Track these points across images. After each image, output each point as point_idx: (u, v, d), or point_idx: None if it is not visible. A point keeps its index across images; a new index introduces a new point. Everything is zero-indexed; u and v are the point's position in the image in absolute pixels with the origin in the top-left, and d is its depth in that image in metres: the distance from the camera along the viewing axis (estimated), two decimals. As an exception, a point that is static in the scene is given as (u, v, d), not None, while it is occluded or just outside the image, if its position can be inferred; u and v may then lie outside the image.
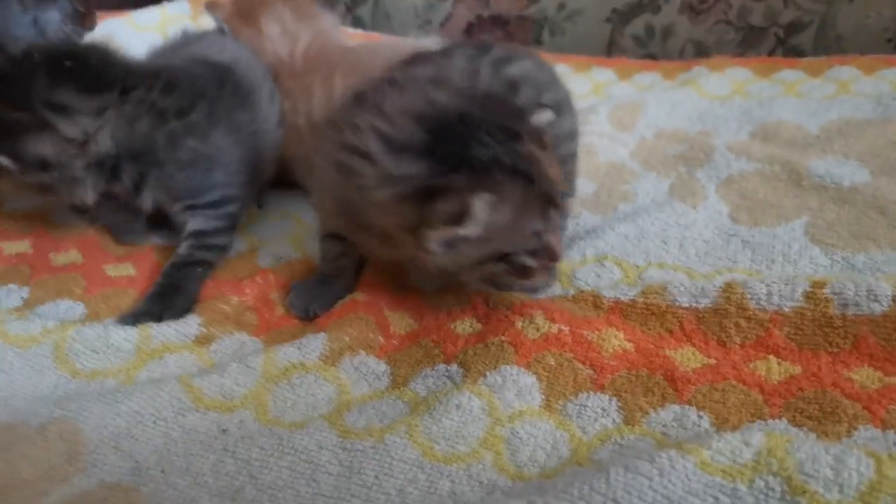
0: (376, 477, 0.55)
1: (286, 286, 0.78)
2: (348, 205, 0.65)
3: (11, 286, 0.77)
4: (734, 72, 1.14)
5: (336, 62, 0.90)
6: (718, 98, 1.09)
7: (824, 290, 0.65)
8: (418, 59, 0.77)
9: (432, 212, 0.59)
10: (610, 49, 1.37)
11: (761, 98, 1.06)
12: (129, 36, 1.26)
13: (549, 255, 0.65)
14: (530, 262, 0.63)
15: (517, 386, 0.62)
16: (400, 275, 0.77)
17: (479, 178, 0.58)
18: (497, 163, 0.59)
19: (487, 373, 0.63)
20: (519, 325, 0.70)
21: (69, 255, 0.82)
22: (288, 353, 0.66)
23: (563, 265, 0.77)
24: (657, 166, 0.95)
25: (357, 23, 1.51)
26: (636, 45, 1.37)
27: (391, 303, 0.74)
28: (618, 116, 1.05)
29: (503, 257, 0.63)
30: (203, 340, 0.70)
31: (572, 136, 0.83)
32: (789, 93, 1.07)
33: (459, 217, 0.58)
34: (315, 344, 0.67)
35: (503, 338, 0.68)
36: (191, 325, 0.70)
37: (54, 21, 0.94)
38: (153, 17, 1.32)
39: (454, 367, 0.65)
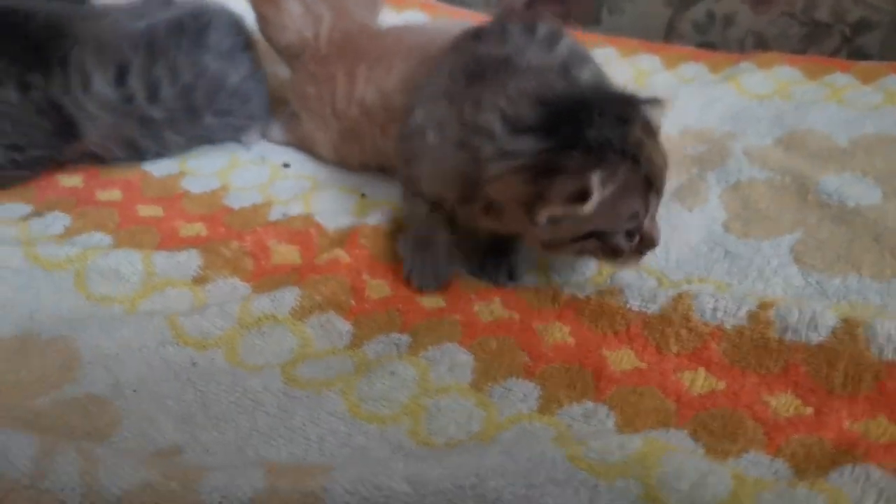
0: (303, 424, 0.62)
1: (283, 236, 0.85)
2: (460, 176, 0.71)
3: (58, 214, 0.89)
4: (782, 70, 1.09)
5: (361, 51, 0.94)
6: (757, 97, 1.05)
7: (769, 313, 0.66)
8: (481, 36, 0.81)
9: (551, 188, 0.64)
10: (668, 34, 1.33)
11: (801, 101, 1.02)
12: None
13: (643, 241, 0.69)
14: (624, 243, 0.68)
15: (452, 362, 0.67)
16: (387, 242, 0.83)
17: (593, 158, 0.63)
18: (609, 144, 0.63)
19: (430, 346, 0.69)
20: (476, 307, 0.74)
21: (112, 193, 0.94)
22: (262, 303, 0.73)
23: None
24: (672, 166, 0.95)
25: None
26: (695, 31, 1.32)
27: (372, 268, 0.80)
28: (646, 108, 1.04)
29: (600, 235, 0.67)
30: (200, 280, 0.79)
31: None
32: (832, 98, 1.02)
33: (578, 195, 0.63)
34: (288, 298, 0.74)
35: (457, 317, 0.73)
36: (191, 265, 0.80)
37: None
38: None
39: (405, 337, 0.71)
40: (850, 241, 0.77)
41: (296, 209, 0.91)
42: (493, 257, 0.81)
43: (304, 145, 1.03)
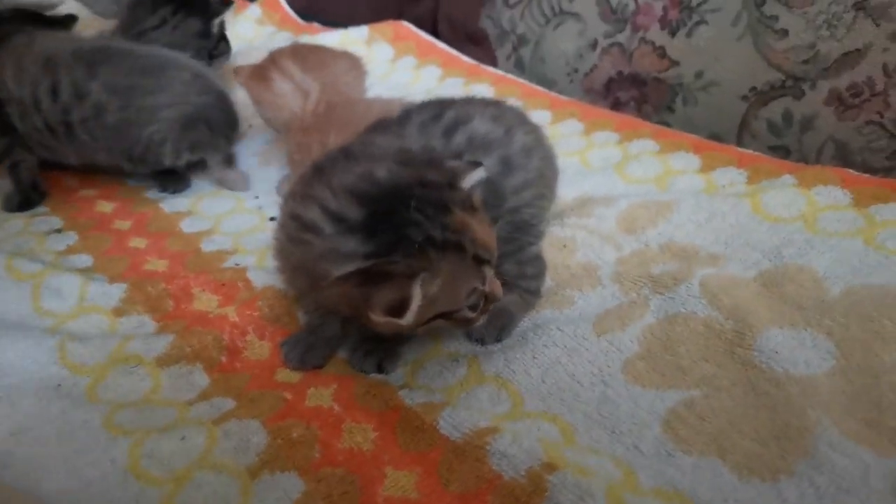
0: (84, 465, 0.66)
1: (211, 285, 0.91)
2: (301, 270, 0.71)
3: (72, 234, 1.05)
4: (824, 192, 0.90)
5: (334, 120, 0.98)
6: (772, 219, 0.88)
7: (548, 476, 0.56)
8: (379, 126, 0.82)
9: (374, 298, 0.63)
10: (741, 131, 1.17)
11: (822, 232, 0.84)
12: (306, 51, 1.51)
13: (487, 300, 0.68)
14: (470, 314, 0.67)
15: (244, 440, 0.67)
16: (289, 311, 0.85)
17: (414, 261, 0.62)
18: (430, 240, 0.63)
19: (239, 418, 0.69)
20: (310, 390, 0.73)
21: (125, 223, 1.08)
22: (135, 344, 0.80)
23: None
24: (625, 282, 0.84)
25: (518, 63, 1.53)
26: (770, 131, 1.14)
27: (260, 329, 0.83)
28: (635, 215, 0.93)
29: (446, 314, 0.67)
30: (118, 312, 0.87)
31: (528, 185, 0.81)
32: (862, 235, 0.82)
33: (399, 305, 0.62)
34: (160, 344, 0.80)
35: (287, 395, 0.73)
36: (115, 296, 0.89)
37: None
38: (334, 39, 1.54)
39: (229, 402, 0.72)
40: (740, 419, 0.62)
41: (248, 261, 0.97)
42: (370, 343, 0.78)
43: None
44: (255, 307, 0.85)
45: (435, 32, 1.61)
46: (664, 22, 1.25)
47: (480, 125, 0.79)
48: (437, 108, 0.81)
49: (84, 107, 1.04)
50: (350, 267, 0.63)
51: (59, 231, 1.05)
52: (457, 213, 0.63)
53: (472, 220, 0.64)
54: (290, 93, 1.04)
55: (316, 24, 1.74)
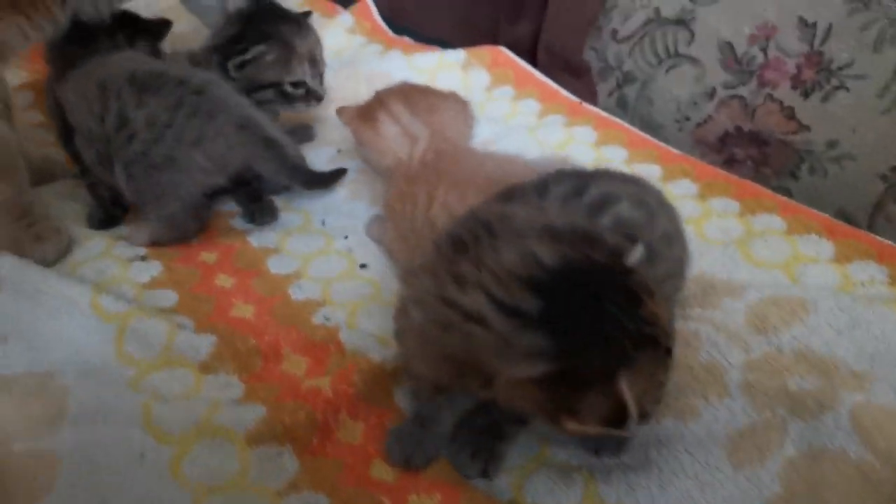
0: None
1: (301, 345, 0.85)
2: (453, 360, 0.64)
3: (156, 262, 1.00)
4: None
5: (443, 173, 0.91)
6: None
7: None
8: (514, 195, 0.75)
9: (580, 406, 0.56)
10: (874, 213, 1.07)
11: None
12: (404, 74, 1.44)
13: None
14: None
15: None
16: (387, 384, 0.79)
17: (612, 359, 0.55)
18: (625, 334, 0.56)
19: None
20: (411, 497, 0.67)
21: (211, 255, 1.03)
22: (224, 414, 0.75)
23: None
24: (757, 396, 0.76)
25: (622, 101, 1.44)
26: (910, 219, 1.04)
27: (353, 409, 0.77)
28: (766, 312, 0.84)
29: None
30: (204, 368, 0.83)
31: (668, 277, 0.76)
32: None
33: (617, 412, 0.55)
34: (249, 416, 0.75)
35: (384, 500, 0.67)
36: (203, 350, 0.84)
37: None
38: (430, 61, 1.47)
39: (322, 498, 0.67)
40: None
41: (339, 316, 0.92)
42: (475, 440, 0.72)
43: (386, 249, 1.03)
44: (349, 380, 0.80)
45: (533, 59, 1.52)
46: (797, 81, 1.15)
47: (625, 207, 0.72)
48: (577, 180, 0.74)
49: (121, 136, 0.98)
50: (534, 368, 0.56)
51: (143, 258, 1.01)
52: (647, 302, 0.57)
53: (659, 309, 0.58)
54: (397, 137, 0.98)
55: (406, 39, 1.67)
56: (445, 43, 1.67)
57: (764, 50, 1.19)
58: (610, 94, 1.45)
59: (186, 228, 1.05)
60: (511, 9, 1.62)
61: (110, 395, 0.77)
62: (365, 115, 1.00)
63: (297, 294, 0.96)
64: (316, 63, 1.16)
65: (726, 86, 1.25)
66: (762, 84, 1.20)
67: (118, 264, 1.00)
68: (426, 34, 1.72)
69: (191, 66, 1.13)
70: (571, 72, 1.48)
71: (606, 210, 0.70)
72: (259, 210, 1.11)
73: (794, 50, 1.15)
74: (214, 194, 1.07)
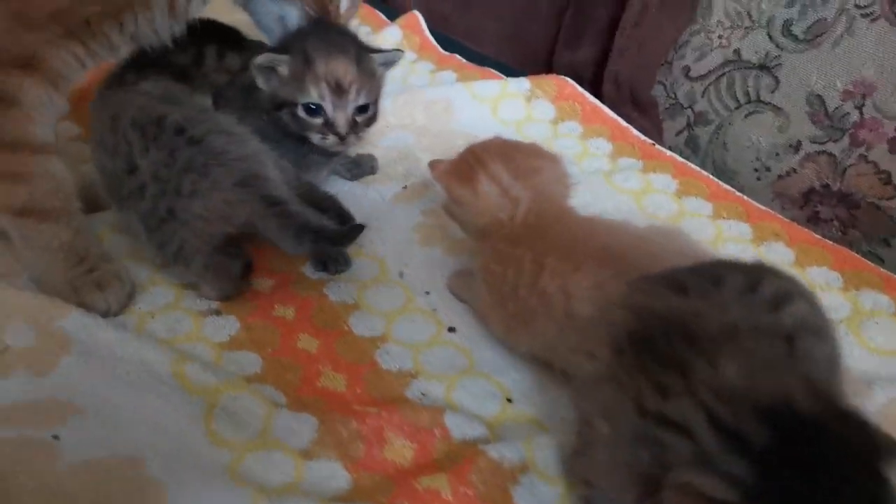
0: None
1: (405, 428, 0.80)
2: (639, 478, 0.60)
3: (232, 318, 0.93)
4: None
5: (552, 240, 0.86)
6: None
7: None
8: (687, 288, 0.68)
9: None
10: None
11: None
12: (465, 102, 1.37)
13: None
14: None
15: None
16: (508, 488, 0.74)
17: None
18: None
19: None
20: None
21: (287, 309, 0.96)
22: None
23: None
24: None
25: (692, 142, 1.39)
26: None
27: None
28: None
29: None
30: (306, 454, 0.77)
31: (842, 382, 0.69)
32: None
33: None
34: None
35: None
36: (305, 435, 0.78)
37: (294, 17, 1.07)
38: (492, 90, 1.40)
39: None
40: None
41: (436, 391, 0.86)
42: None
43: (477, 311, 0.97)
44: (466, 480, 0.74)
45: (593, 87, 1.46)
46: (894, 145, 1.11)
47: (803, 307, 0.67)
48: (746, 273, 0.69)
49: (132, 182, 0.92)
50: (726, 493, 0.52)
51: (217, 313, 0.94)
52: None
53: None
54: (497, 198, 0.92)
55: (457, 57, 1.60)
56: (494, 61, 1.61)
57: (859, 108, 1.15)
58: (678, 133, 1.40)
59: (228, 278, 0.96)
60: (571, 32, 1.56)
61: (211, 491, 0.70)
62: (461, 173, 0.94)
63: (386, 362, 0.90)
64: (343, 92, 1.00)
65: (814, 140, 1.21)
66: (855, 143, 1.16)
67: (191, 318, 0.93)
68: (472, 47, 1.65)
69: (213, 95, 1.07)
70: (638, 107, 1.43)
71: (784, 308, 0.65)
72: (331, 258, 1.04)
73: (894, 112, 1.11)
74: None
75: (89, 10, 0.86)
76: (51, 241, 0.91)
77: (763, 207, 1.16)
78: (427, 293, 1.02)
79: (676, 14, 1.34)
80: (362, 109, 1.02)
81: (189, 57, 1.07)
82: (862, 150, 1.15)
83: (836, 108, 1.17)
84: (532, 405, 0.86)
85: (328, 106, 1.00)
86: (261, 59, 0.99)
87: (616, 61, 1.41)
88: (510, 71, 1.54)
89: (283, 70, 1.00)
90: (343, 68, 0.99)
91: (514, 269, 0.89)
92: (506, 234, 0.91)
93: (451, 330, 0.96)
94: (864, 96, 1.14)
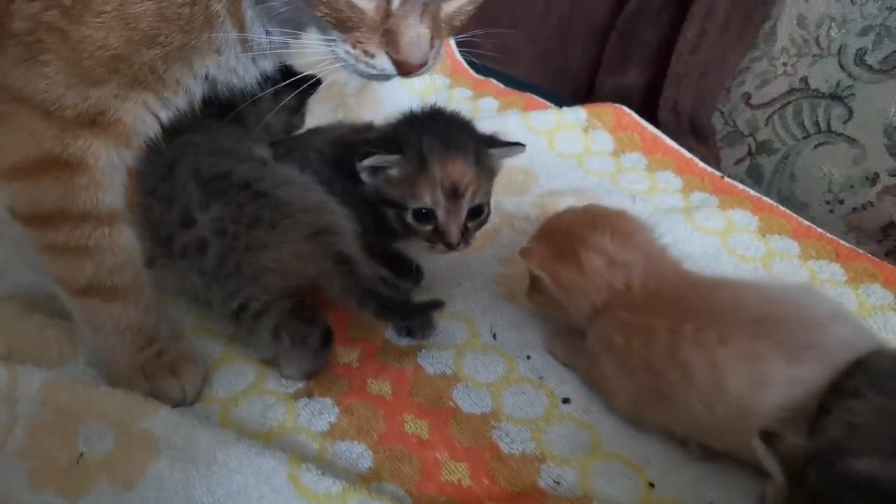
0: None
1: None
2: None
3: (328, 402, 0.83)
4: None
5: (686, 306, 0.79)
6: None
7: None
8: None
9: None
10: None
11: None
12: (521, 136, 1.29)
13: None
14: None
15: None
16: None
17: None
18: None
19: None
20: None
21: (383, 385, 0.87)
22: None
23: None
24: None
25: (754, 172, 1.35)
26: None
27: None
28: None
29: None
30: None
31: None
32: None
33: None
34: None
35: None
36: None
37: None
38: (548, 120, 1.33)
39: None
40: None
41: (570, 478, 0.79)
42: None
43: (594, 381, 0.89)
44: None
45: (640, 113, 1.39)
46: (983, 179, 1.08)
47: None
48: None
49: (187, 236, 0.84)
50: None
51: (309, 395, 0.84)
52: None
53: None
54: (606, 270, 0.84)
55: (493, 81, 1.52)
56: (528, 84, 1.54)
57: (944, 141, 1.11)
58: (738, 161, 1.36)
59: (309, 351, 0.86)
60: (616, 56, 1.50)
61: None
62: (561, 255, 0.85)
63: (507, 445, 0.82)
64: (458, 197, 0.89)
65: (893, 173, 1.17)
66: (940, 177, 1.13)
67: (283, 404, 0.83)
68: (502, 70, 1.57)
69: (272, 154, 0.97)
70: (697, 135, 1.37)
71: None
72: (415, 324, 0.95)
73: (981, 146, 1.08)
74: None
75: (150, 53, 0.75)
76: (118, 321, 0.80)
77: (849, 245, 1.12)
78: (528, 357, 0.93)
79: (738, 40, 1.29)
80: (476, 212, 0.92)
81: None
82: (947, 184, 1.12)
83: (918, 139, 1.14)
84: (674, 487, 0.79)
85: (441, 213, 0.89)
86: (370, 161, 0.89)
87: (672, 88, 1.35)
88: (549, 95, 1.47)
89: (394, 171, 0.90)
90: (461, 171, 0.88)
91: (644, 340, 0.81)
92: (626, 304, 0.84)
93: (566, 401, 0.88)
94: (948, 130, 1.11)
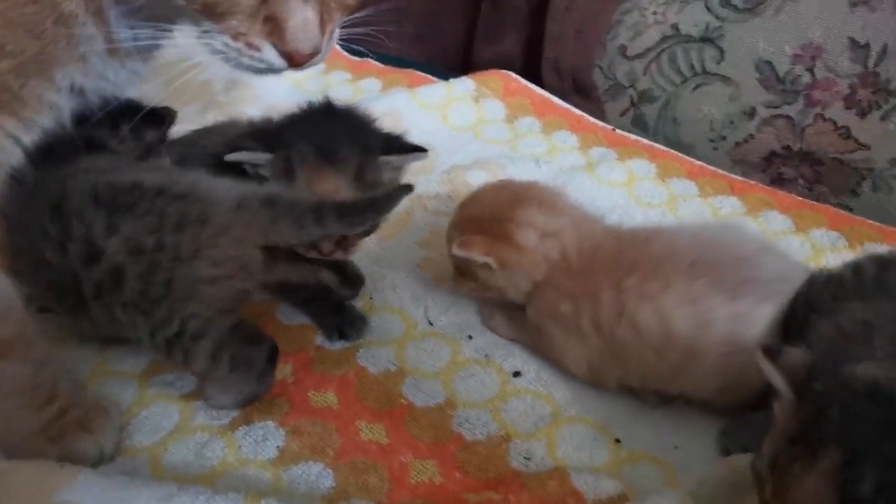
0: None
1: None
2: None
3: (269, 425, 0.76)
4: None
5: (626, 261, 0.79)
6: None
7: None
8: None
9: None
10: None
11: None
12: (412, 113, 1.25)
13: None
14: None
15: None
16: None
17: None
18: None
19: None
20: None
21: (326, 396, 0.81)
22: None
23: None
24: None
25: (639, 121, 1.38)
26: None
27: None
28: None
29: None
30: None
31: None
32: None
33: None
34: None
35: None
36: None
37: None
38: (438, 94, 1.29)
39: None
40: None
41: (538, 451, 0.76)
42: None
43: (544, 352, 0.87)
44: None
45: (527, 77, 1.39)
46: (850, 101, 1.16)
47: None
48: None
49: (97, 272, 0.71)
50: None
51: (247, 423, 0.76)
52: None
53: None
54: (541, 242, 0.82)
55: (371, 61, 1.46)
56: (408, 62, 1.49)
57: (810, 70, 1.19)
58: (622, 113, 1.39)
59: (253, 372, 0.77)
60: (490, 25, 1.48)
61: None
62: (497, 237, 0.82)
63: (469, 432, 0.78)
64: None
65: (768, 105, 1.24)
66: (811, 104, 1.20)
67: (220, 438, 0.74)
68: (380, 51, 1.52)
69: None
70: (581, 92, 1.39)
71: None
72: (347, 322, 0.88)
73: (846, 70, 1.16)
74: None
75: (-2, 66, 0.64)
76: (8, 384, 0.68)
77: (741, 178, 1.17)
78: (470, 337, 0.90)
79: (607, -6, 1.30)
80: None
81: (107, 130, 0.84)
82: (818, 109, 1.19)
83: (787, 71, 1.21)
84: (639, 439, 0.79)
85: None
86: (235, 155, 0.79)
87: (552, 48, 1.36)
88: (430, 70, 1.43)
89: (265, 171, 0.80)
90: (333, 188, 0.78)
91: (590, 304, 0.80)
92: (564, 272, 0.83)
93: (517, 375, 0.86)
94: (813, 58, 1.18)
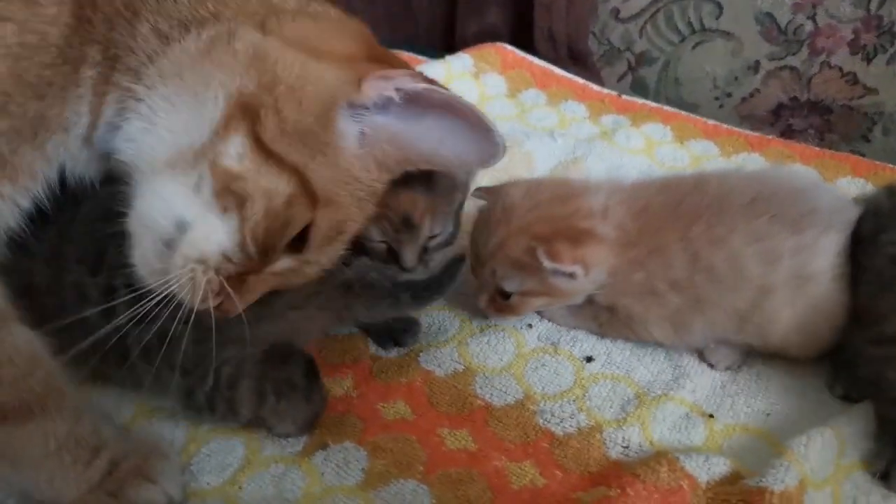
0: None
1: (655, 497, 0.65)
2: None
3: (349, 446, 0.69)
4: None
5: (684, 212, 0.77)
6: None
7: None
8: None
9: None
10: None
11: None
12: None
13: None
14: None
15: None
16: None
17: None
18: None
19: None
20: None
21: (396, 405, 0.75)
22: None
23: None
24: None
25: (639, 85, 1.35)
26: None
27: None
28: None
29: None
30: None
31: None
32: None
33: None
34: None
35: None
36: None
37: None
38: (436, 73, 1.21)
39: None
40: None
41: (634, 437, 0.72)
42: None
43: (621, 332, 0.82)
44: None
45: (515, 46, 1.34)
46: (855, 46, 1.16)
47: None
48: None
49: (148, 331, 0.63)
50: None
51: (324, 447, 0.69)
52: None
53: None
54: (604, 223, 0.78)
55: (352, 45, 1.37)
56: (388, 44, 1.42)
57: (812, 18, 1.18)
58: (620, 78, 1.36)
59: (298, 395, 0.71)
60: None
61: None
62: (572, 239, 0.76)
63: (559, 427, 0.74)
64: (413, 228, 0.76)
65: (772, 57, 1.22)
66: (815, 52, 1.19)
67: (297, 468, 0.67)
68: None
69: None
70: (576, 60, 1.34)
71: None
72: (401, 327, 0.82)
73: (848, 16, 1.15)
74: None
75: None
76: (46, 443, 0.60)
77: (757, 134, 1.15)
78: (530, 326, 0.85)
79: (597, -44, 1.26)
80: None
81: None
82: (823, 57, 1.18)
83: (789, 21, 1.19)
84: (728, 412, 0.76)
85: (394, 242, 0.77)
86: None
87: (544, 17, 1.31)
88: (412, 50, 1.36)
89: None
90: (411, 202, 0.74)
91: (661, 262, 0.77)
92: (627, 243, 0.78)
93: (590, 360, 0.81)
94: (814, 6, 1.17)
